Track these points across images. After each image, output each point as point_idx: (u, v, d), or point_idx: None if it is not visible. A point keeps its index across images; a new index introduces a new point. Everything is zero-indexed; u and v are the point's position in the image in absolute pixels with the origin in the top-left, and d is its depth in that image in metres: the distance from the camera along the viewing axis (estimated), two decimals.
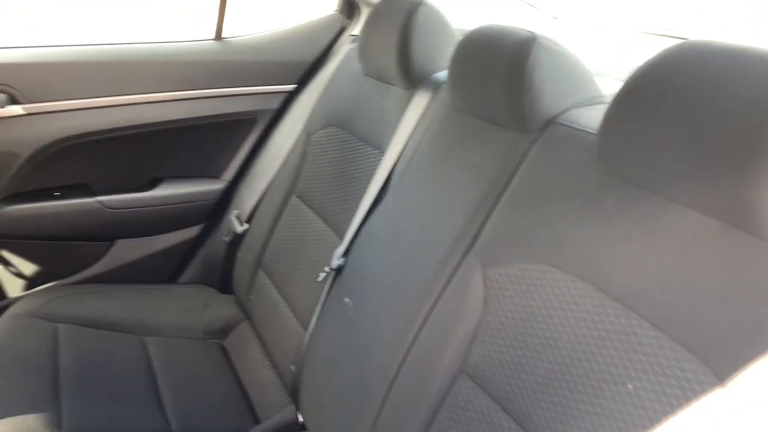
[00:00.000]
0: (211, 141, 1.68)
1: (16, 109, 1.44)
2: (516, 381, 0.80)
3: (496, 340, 0.84)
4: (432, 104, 1.17)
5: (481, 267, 0.90)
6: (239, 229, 1.58)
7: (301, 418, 1.22)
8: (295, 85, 1.69)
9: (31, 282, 1.58)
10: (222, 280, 1.66)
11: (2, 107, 1.42)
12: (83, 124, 1.51)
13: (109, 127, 1.54)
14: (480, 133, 1.01)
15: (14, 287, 1.57)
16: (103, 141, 1.55)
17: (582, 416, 0.71)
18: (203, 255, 1.74)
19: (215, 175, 1.72)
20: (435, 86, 1.19)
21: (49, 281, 1.59)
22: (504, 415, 0.80)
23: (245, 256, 1.56)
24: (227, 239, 1.62)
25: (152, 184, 1.66)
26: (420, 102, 1.19)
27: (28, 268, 1.57)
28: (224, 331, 1.54)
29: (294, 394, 1.25)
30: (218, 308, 1.58)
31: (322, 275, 1.22)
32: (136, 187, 1.64)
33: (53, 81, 1.47)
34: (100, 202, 1.59)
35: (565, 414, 0.73)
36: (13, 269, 1.56)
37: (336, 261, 1.19)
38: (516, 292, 0.84)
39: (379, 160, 1.23)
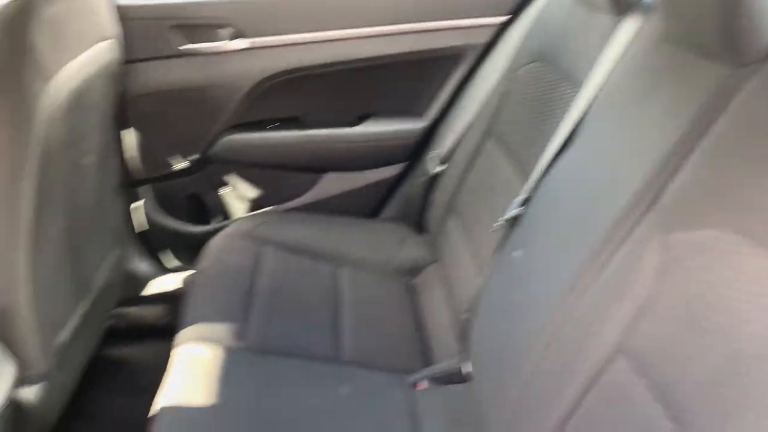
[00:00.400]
0: (416, 78, 1.65)
1: (240, 44, 1.55)
2: (680, 371, 0.65)
3: (666, 320, 0.70)
4: (639, 34, 0.99)
5: (661, 230, 0.74)
6: (435, 169, 1.55)
7: (466, 369, 1.17)
8: (506, 17, 1.57)
9: (252, 205, 1.73)
10: (419, 219, 1.65)
11: (228, 42, 1.54)
12: (298, 59, 1.58)
13: (321, 62, 1.59)
14: (685, 68, 0.83)
15: (238, 209, 1.74)
16: (316, 76, 1.61)
17: (753, 430, 0.55)
18: (403, 193, 1.74)
19: (419, 114, 1.69)
20: (644, 12, 1.00)
21: (266, 206, 1.72)
22: (660, 408, 0.66)
23: (439, 197, 1.53)
24: (425, 179, 1.59)
25: (359, 120, 1.69)
26: (626, 31, 1.01)
27: (250, 192, 1.72)
28: (414, 270, 1.53)
29: (463, 343, 1.21)
30: (412, 247, 1.58)
31: (499, 224, 1.14)
32: (345, 122, 1.68)
33: (273, 17, 1.55)
34: (311, 136, 1.66)
35: (730, 422, 0.57)
36: (237, 193, 1.72)
37: (513, 210, 1.09)
38: (698, 264, 0.68)
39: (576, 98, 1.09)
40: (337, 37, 1.57)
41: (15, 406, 1.08)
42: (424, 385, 1.20)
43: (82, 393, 1.38)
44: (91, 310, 1.38)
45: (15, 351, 1.06)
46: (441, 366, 1.23)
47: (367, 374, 1.21)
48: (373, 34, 1.58)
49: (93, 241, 1.42)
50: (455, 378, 1.18)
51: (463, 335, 1.21)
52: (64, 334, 1.24)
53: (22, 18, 0.98)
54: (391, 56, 1.60)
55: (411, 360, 1.28)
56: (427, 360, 1.29)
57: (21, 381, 1.08)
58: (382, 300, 1.45)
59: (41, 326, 1.13)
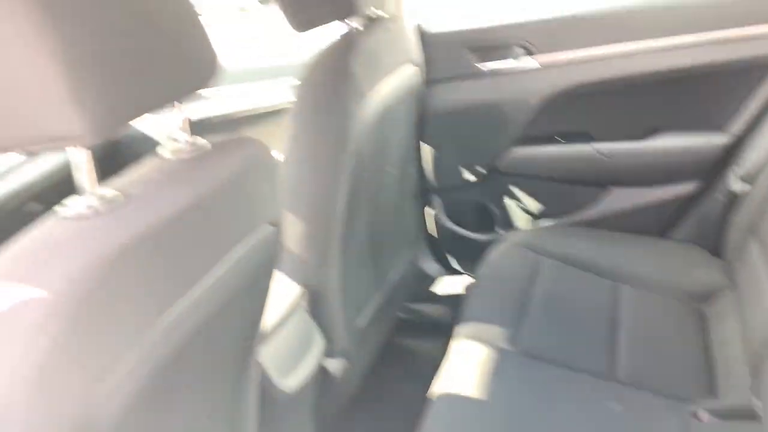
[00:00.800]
0: (717, 89, 1.53)
1: (531, 62, 1.61)
2: None
3: None
4: None
5: None
6: (737, 188, 1.42)
7: (756, 407, 1.06)
8: None
9: (533, 217, 1.78)
10: (714, 242, 1.52)
11: (519, 60, 1.62)
12: (588, 74, 1.59)
13: (612, 77, 1.58)
14: None
15: (520, 219, 1.80)
16: (605, 90, 1.60)
17: None
18: (697, 213, 1.62)
19: (718, 128, 1.56)
20: None
21: (547, 218, 1.75)
22: None
23: (740, 219, 1.40)
24: (723, 199, 1.47)
25: (649, 133, 1.63)
26: None
27: (532, 204, 1.77)
28: (706, 296, 1.43)
29: (755, 378, 1.10)
30: (704, 271, 1.47)
31: None
32: (633, 136, 1.63)
33: (564, 35, 1.59)
34: (597, 149, 1.65)
35: None
36: (520, 204, 1.78)
37: None
38: None
39: None
40: (629, 51, 1.54)
41: (323, 373, 1.29)
42: (705, 417, 1.12)
43: (374, 373, 1.57)
44: (387, 301, 1.56)
45: (323, 327, 1.27)
46: (727, 400, 1.14)
47: (641, 396, 1.17)
48: (668, 46, 1.52)
49: (391, 239, 1.61)
50: (743, 414, 1.08)
51: (756, 370, 1.10)
52: (363, 319, 1.43)
53: (345, 49, 1.18)
54: (688, 69, 1.52)
55: (692, 388, 1.21)
56: (711, 391, 1.20)
57: (328, 353, 1.29)
58: (666, 323, 1.38)
59: (346, 308, 1.33)
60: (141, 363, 0.58)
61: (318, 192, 1.19)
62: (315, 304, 1.26)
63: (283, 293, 1.17)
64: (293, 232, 1.19)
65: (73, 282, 0.50)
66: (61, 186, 1.47)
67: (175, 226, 0.61)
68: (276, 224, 0.80)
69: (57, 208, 0.58)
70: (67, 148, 0.55)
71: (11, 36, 0.48)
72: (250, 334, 0.88)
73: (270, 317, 1.09)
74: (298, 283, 1.22)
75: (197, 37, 0.66)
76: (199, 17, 0.67)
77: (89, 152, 0.57)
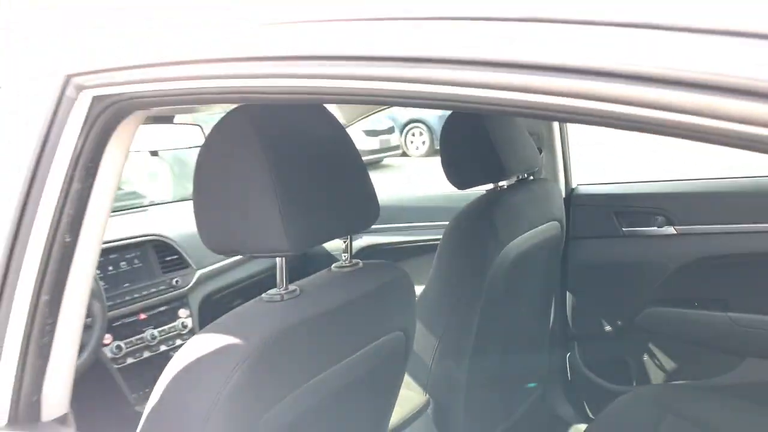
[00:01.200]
0: None
1: (670, 230, 1.76)
2: None
3: None
4: None
5: None
6: None
7: None
8: None
9: (667, 375, 1.83)
10: None
11: (660, 228, 1.77)
12: (726, 246, 1.69)
13: (753, 251, 1.66)
14: None
15: (655, 376, 1.86)
16: (744, 261, 1.68)
17: None
18: None
19: None
20: None
21: (681, 379, 1.80)
22: None
23: None
24: None
25: None
26: None
27: (667, 363, 1.83)
28: None
29: None
30: None
31: None
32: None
33: (701, 207, 1.73)
34: (732, 318, 1.71)
35: None
36: (655, 361, 1.85)
37: None
38: None
39: None
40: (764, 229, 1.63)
41: None
42: None
43: None
44: None
45: None
46: None
47: None
48: None
49: (523, 374, 1.76)
50: None
51: None
52: None
53: (489, 204, 1.44)
54: None
55: None
56: None
57: None
58: None
59: (470, 427, 1.49)
60: (287, 410, 0.83)
61: (452, 316, 1.42)
62: (440, 415, 1.44)
63: (412, 398, 1.38)
64: (426, 345, 1.42)
65: (259, 341, 0.78)
66: (256, 284, 1.88)
67: (329, 317, 0.87)
68: (407, 333, 1.04)
69: (262, 295, 0.87)
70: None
71: (252, 186, 0.80)
72: (376, 429, 1.09)
73: (396, 417, 1.31)
74: (426, 392, 1.42)
75: (365, 188, 0.95)
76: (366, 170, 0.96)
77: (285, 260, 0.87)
